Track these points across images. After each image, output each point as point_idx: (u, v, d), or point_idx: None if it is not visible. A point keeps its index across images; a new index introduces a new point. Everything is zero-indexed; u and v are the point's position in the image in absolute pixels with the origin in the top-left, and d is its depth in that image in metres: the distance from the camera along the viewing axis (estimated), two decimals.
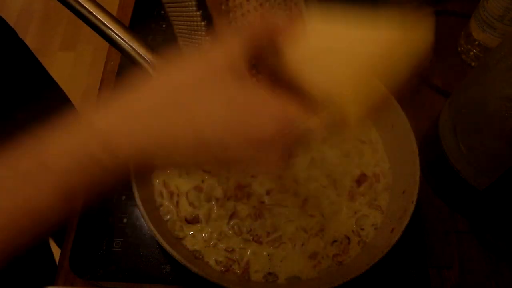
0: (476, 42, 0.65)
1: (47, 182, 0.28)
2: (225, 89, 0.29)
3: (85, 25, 0.59)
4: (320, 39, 0.31)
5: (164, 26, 0.71)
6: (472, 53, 0.67)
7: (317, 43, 0.31)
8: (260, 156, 0.29)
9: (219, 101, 0.28)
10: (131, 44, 0.58)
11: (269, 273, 0.49)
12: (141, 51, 0.58)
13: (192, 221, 0.52)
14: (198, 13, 0.31)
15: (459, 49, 0.69)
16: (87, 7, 0.58)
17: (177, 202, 0.53)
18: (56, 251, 0.79)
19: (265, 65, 0.32)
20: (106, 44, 0.62)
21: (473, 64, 0.67)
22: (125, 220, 0.54)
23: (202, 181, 0.53)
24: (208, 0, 0.31)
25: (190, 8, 0.32)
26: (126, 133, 0.28)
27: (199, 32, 0.33)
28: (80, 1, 0.57)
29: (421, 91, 0.65)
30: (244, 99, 0.29)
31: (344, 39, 0.31)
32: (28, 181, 0.28)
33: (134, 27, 0.70)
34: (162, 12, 0.72)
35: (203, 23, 0.32)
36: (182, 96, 0.29)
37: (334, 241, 0.51)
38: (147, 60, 0.58)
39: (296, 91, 0.31)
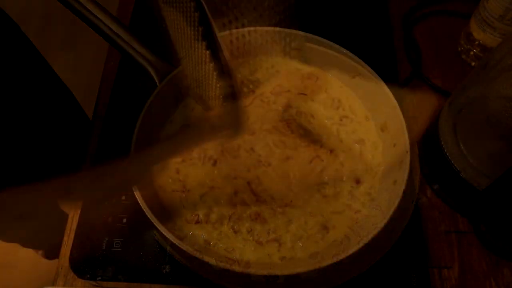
0: (476, 42, 0.65)
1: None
2: None
3: (85, 25, 0.59)
4: None
5: (164, 26, 0.71)
6: (472, 53, 0.66)
7: None
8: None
9: None
10: (131, 44, 0.58)
11: (269, 273, 0.49)
12: (141, 51, 0.58)
13: (192, 221, 0.52)
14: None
15: (459, 49, 0.69)
16: (87, 7, 0.58)
17: None
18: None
19: None
20: (106, 44, 0.62)
21: (473, 64, 0.67)
22: (125, 220, 0.54)
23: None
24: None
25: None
26: None
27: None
28: (80, 1, 0.57)
29: (421, 91, 0.65)
30: None
31: None
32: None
33: (134, 27, 0.70)
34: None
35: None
36: None
37: (334, 241, 0.51)
38: (146, 60, 0.58)
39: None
